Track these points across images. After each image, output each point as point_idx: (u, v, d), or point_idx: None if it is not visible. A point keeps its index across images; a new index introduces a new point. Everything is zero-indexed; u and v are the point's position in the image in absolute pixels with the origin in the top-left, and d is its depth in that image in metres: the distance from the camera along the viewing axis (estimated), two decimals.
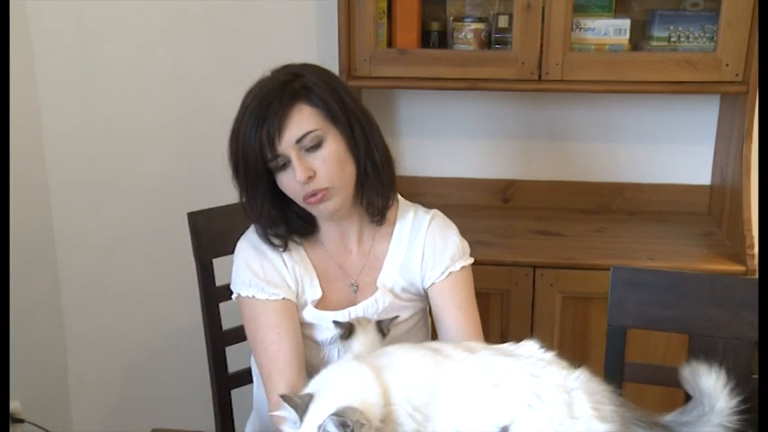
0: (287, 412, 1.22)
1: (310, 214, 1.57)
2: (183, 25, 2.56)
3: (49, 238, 2.72)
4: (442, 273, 1.62)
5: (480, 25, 2.33)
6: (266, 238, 1.56)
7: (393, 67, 2.31)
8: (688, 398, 1.63)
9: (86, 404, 2.85)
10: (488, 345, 1.35)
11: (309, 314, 1.58)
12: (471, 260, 1.66)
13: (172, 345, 2.75)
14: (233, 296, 1.61)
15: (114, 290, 2.76)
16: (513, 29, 2.24)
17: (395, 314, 1.60)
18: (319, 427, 1.15)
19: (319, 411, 1.18)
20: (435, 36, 2.40)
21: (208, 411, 1.93)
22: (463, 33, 2.34)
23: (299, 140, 1.45)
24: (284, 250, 1.57)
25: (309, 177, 1.45)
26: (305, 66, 1.52)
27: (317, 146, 1.46)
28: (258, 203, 1.53)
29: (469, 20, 2.35)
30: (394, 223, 1.64)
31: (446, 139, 2.63)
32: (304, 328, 1.59)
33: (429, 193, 2.60)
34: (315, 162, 1.46)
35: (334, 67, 2.29)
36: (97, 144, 2.67)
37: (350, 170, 1.51)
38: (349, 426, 1.13)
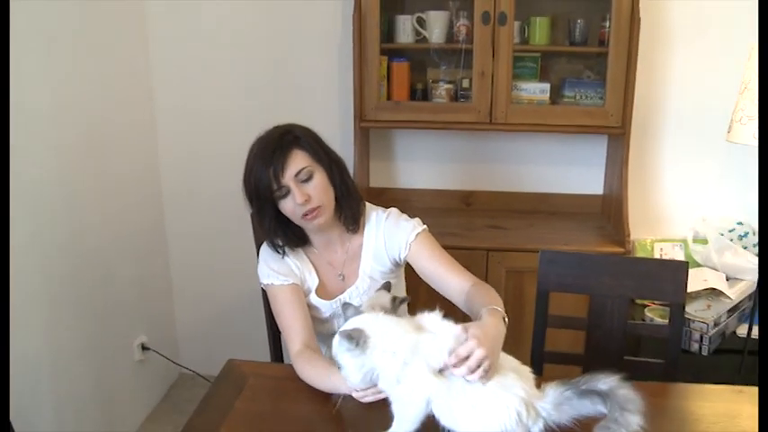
0: (349, 344, 1.16)
1: (302, 232, 1.56)
2: (253, 83, 2.57)
3: (162, 233, 2.74)
4: (405, 247, 1.55)
5: (450, 86, 2.35)
6: (272, 245, 1.55)
7: (391, 113, 2.32)
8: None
9: (187, 340, 2.88)
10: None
11: (313, 299, 1.58)
12: (424, 227, 1.57)
13: (240, 303, 2.75)
14: (261, 285, 1.60)
15: (204, 265, 2.79)
16: (473, 88, 2.25)
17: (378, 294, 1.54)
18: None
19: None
20: (420, 92, 2.40)
21: (265, 349, 1.92)
22: (438, 91, 2.35)
23: (296, 174, 1.44)
24: (284, 255, 1.55)
25: (306, 200, 1.44)
26: (293, 124, 1.51)
27: (309, 178, 1.45)
28: (266, 223, 1.51)
29: (443, 82, 2.36)
30: (364, 226, 1.60)
31: (427, 162, 2.63)
32: (310, 310, 1.57)
33: (415, 200, 2.60)
34: (308, 189, 1.45)
35: (350, 114, 2.34)
36: (197, 164, 2.68)
37: (331, 194, 1.50)
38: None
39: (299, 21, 2.49)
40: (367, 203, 1.64)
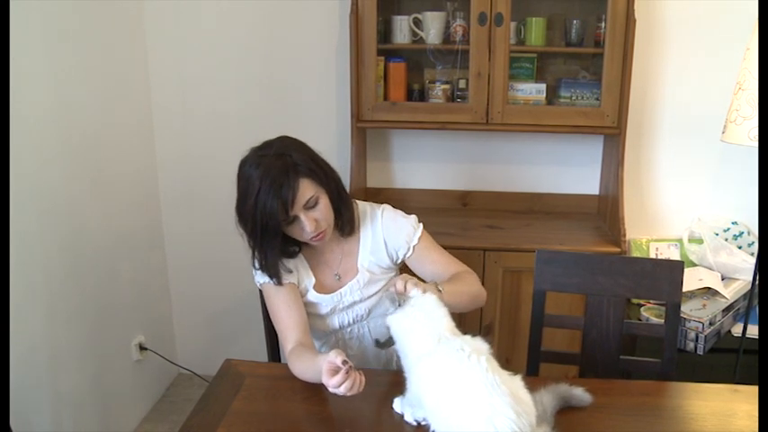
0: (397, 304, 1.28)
1: (297, 242, 1.53)
2: (251, 84, 2.57)
3: (159, 233, 2.74)
4: (408, 249, 1.58)
5: (447, 86, 2.35)
6: (271, 276, 1.50)
7: (388, 113, 2.31)
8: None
9: (184, 340, 2.88)
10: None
11: (312, 296, 1.57)
12: (421, 226, 1.61)
13: (238, 303, 2.76)
14: (257, 285, 1.59)
15: (201, 266, 2.78)
16: (469, 89, 2.25)
17: (373, 287, 1.58)
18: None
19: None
20: (416, 93, 2.40)
21: (262, 348, 1.91)
22: (435, 91, 2.34)
23: (305, 204, 1.43)
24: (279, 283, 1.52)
25: (315, 227, 1.44)
26: (283, 143, 1.47)
27: (315, 204, 1.44)
28: (270, 257, 1.48)
29: (439, 82, 2.35)
30: (359, 223, 1.59)
31: (424, 162, 2.62)
32: (309, 307, 1.57)
33: (412, 200, 2.60)
34: (316, 215, 1.45)
35: (347, 114, 2.34)
36: (193, 166, 2.68)
37: (332, 212, 1.50)
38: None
39: (296, 22, 2.49)
40: (357, 201, 1.63)
